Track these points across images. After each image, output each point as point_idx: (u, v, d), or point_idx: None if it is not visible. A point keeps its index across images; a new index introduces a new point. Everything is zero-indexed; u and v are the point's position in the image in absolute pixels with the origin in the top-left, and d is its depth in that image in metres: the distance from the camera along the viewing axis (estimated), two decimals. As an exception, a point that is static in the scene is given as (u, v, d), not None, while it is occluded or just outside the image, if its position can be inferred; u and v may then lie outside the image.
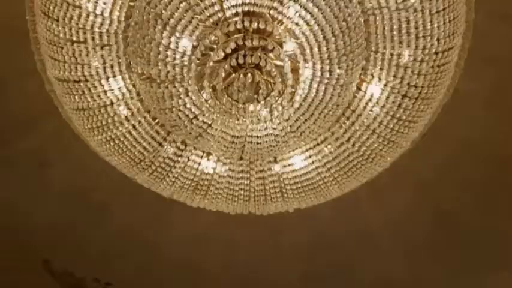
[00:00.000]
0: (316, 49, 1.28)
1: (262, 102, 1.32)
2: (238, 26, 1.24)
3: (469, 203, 2.45)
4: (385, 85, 1.44)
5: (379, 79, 1.44)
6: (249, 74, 1.27)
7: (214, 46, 1.29)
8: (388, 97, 1.46)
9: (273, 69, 1.28)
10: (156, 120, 1.57)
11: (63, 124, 2.13)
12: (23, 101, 2.16)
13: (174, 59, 1.31)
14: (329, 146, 1.56)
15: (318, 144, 1.58)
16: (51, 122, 2.17)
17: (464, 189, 2.40)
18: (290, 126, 1.41)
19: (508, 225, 2.54)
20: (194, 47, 1.29)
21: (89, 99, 1.51)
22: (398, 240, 2.55)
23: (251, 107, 1.34)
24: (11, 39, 1.92)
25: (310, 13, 1.25)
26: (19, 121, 2.24)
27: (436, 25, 1.35)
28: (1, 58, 2.03)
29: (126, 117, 1.54)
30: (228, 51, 1.26)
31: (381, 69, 1.43)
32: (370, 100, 1.48)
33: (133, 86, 1.52)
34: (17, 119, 2.24)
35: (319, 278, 2.67)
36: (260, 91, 1.30)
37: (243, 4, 1.23)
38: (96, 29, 1.39)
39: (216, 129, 1.44)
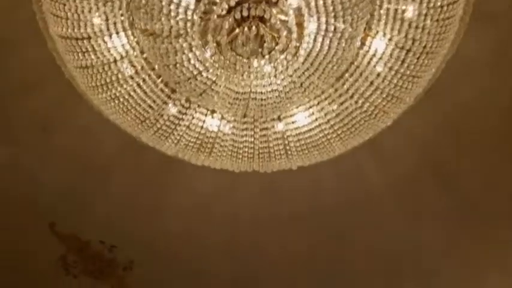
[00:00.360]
0: (321, 2, 1.27)
1: (267, 56, 1.32)
2: (242, -21, 1.23)
3: (470, 165, 2.46)
4: (390, 40, 1.44)
5: (384, 34, 1.44)
6: (253, 27, 1.27)
7: (218, 0, 1.28)
8: (392, 52, 1.46)
9: (278, 23, 1.27)
10: (160, 79, 1.57)
11: (66, 89, 2.16)
12: (26, 65, 2.15)
13: (178, 13, 1.30)
14: (332, 103, 1.57)
15: (321, 102, 1.58)
16: (54, 86, 2.17)
17: (465, 151, 2.41)
18: (294, 81, 1.41)
19: (507, 187, 2.57)
20: (197, 1, 1.29)
21: (93, 56, 1.51)
22: (399, 202, 2.57)
23: (255, 62, 1.34)
24: (13, 1, 1.90)
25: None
26: (22, 85, 2.23)
27: (440, -23, 1.34)
28: (4, 21, 2.01)
29: (130, 75, 1.54)
30: (232, 4, 1.25)
31: (386, 24, 1.42)
32: (374, 56, 1.48)
33: (137, 43, 1.51)
34: (20, 83, 2.23)
35: (321, 244, 2.71)
36: (264, 45, 1.30)
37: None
38: (98, -15, 1.38)
39: (220, 86, 1.44)
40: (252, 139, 1.66)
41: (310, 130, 1.63)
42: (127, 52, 1.52)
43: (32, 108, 2.29)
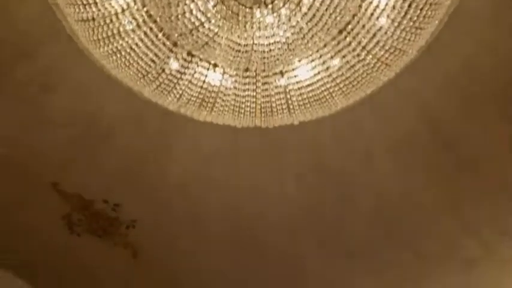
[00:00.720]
0: (324, -50, 1.26)
1: (269, 6, 1.31)
2: None
3: (469, 124, 2.47)
4: (393, -10, 1.42)
5: (387, -15, 1.42)
6: (256, -25, 1.26)
7: None
8: (395, 4, 1.44)
9: (281, -29, 1.26)
10: (162, 32, 1.56)
11: (66, 45, 2.14)
12: (25, 21, 2.12)
13: (180, -37, 1.29)
14: (335, 56, 1.57)
15: (323, 55, 1.58)
16: (54, 45, 2.15)
17: (465, 110, 2.41)
18: (297, 32, 1.41)
19: (507, 147, 2.59)
20: (199, -50, 1.27)
21: (94, 9, 1.50)
22: (398, 160, 2.59)
23: (258, 12, 1.33)
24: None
25: None
26: (21, 43, 2.21)
27: None
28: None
29: (131, 28, 1.53)
30: (235, -48, 1.24)
31: (389, -26, 1.41)
32: (377, 7, 1.47)
33: (138, -5, 1.50)
34: (19, 42, 2.21)
35: (321, 200, 2.75)
36: (268, -7, 1.29)
37: None
38: None
39: (223, 37, 1.44)
40: (254, 93, 1.66)
41: (312, 84, 1.63)
42: (128, 5, 1.51)
43: (32, 66, 2.27)
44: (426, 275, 3.05)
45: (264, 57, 1.49)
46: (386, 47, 1.50)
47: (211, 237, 2.89)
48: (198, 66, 1.63)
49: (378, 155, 2.56)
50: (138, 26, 1.55)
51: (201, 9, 1.37)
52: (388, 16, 1.47)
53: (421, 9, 1.44)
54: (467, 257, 2.97)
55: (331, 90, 1.62)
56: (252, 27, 1.37)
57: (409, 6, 1.45)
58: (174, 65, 1.62)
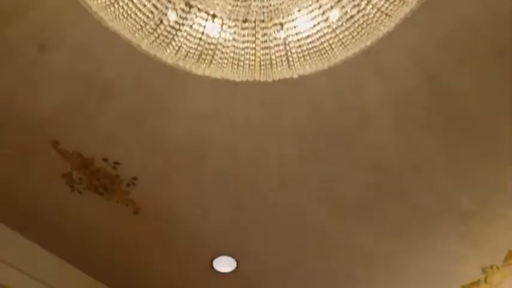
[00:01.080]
0: None
1: (269, -48, 1.28)
2: None
3: (469, 81, 2.46)
4: None
5: None
6: None
7: None
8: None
9: None
10: (160, -18, 1.53)
11: (61, 2, 2.11)
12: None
13: None
14: (334, 6, 1.55)
15: (323, 5, 1.56)
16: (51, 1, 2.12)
17: (465, 67, 2.41)
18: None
19: (507, 105, 2.59)
20: None
21: (90, -43, 1.46)
22: (396, 116, 2.59)
23: (257, -41, 1.30)
24: None
25: None
26: (14, 2, 2.18)
27: None
28: None
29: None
30: None
31: None
32: (377, -45, 1.44)
33: None
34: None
35: (318, 156, 2.76)
36: None
37: None
38: None
39: (221, -15, 1.41)
40: (253, 45, 1.65)
41: (311, 35, 1.61)
42: (125, -47, 1.48)
43: (29, 24, 2.24)
44: (422, 230, 3.12)
45: (264, 6, 1.47)
46: (387, -4, 1.48)
47: (211, 192, 2.93)
48: (196, 17, 1.61)
49: (377, 111, 2.57)
50: (136, -25, 1.52)
51: (199, -44, 1.34)
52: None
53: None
54: (462, 212, 3.03)
55: (330, 42, 1.61)
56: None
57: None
58: (172, 16, 1.60)
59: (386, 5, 1.50)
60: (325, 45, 1.62)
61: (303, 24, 1.61)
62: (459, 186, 2.89)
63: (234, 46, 1.65)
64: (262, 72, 1.73)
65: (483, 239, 3.21)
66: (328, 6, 1.55)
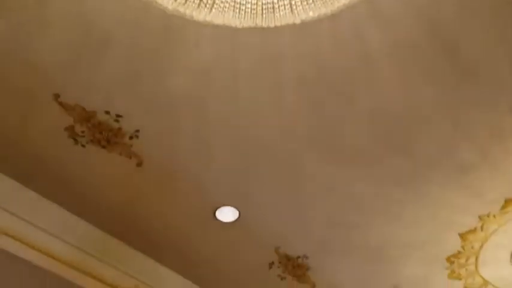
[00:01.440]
0: None
1: None
2: None
3: (470, 29, 2.44)
4: None
5: None
6: None
7: None
8: None
9: None
10: None
11: None
12: None
13: None
14: None
15: None
16: None
17: (466, 14, 2.38)
18: None
19: (507, 52, 2.57)
20: None
21: None
22: (398, 64, 2.58)
23: None
24: None
25: None
26: None
27: None
28: None
29: None
30: None
31: None
32: None
33: None
34: None
35: (319, 105, 2.76)
36: None
37: None
38: None
39: None
40: (256, -11, 1.62)
41: (314, -22, 1.59)
42: None
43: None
44: (421, 179, 3.17)
45: None
46: None
47: (213, 144, 2.95)
48: (197, -41, 1.58)
49: (378, 59, 2.57)
50: None
51: None
52: None
53: None
54: (464, 162, 3.07)
55: (333, -16, 1.59)
56: None
57: None
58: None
59: None
60: (328, -13, 1.60)
61: (305, -33, 1.58)
62: (459, 135, 2.91)
63: (236, -10, 1.63)
64: (264, 17, 1.72)
65: (482, 188, 3.26)
66: None
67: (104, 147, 3.01)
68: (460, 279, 4.03)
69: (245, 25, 1.78)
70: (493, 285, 4.13)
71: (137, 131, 2.92)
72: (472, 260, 3.85)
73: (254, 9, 1.67)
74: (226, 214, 3.42)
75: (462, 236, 3.63)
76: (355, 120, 2.81)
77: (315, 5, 1.66)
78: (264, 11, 1.68)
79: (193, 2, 1.68)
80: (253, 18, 1.72)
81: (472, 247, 3.72)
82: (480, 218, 3.49)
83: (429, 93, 2.73)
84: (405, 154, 3.01)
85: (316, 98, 2.71)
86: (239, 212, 3.41)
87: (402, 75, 2.64)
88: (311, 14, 1.70)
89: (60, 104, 2.80)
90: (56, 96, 2.76)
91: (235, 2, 1.65)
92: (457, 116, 2.82)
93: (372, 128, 2.86)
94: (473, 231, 3.59)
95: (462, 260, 3.85)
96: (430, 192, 3.27)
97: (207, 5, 1.69)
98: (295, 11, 1.68)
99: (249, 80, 2.62)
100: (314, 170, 3.11)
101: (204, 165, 3.08)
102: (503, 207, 3.41)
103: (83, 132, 2.93)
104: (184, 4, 1.70)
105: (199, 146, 2.98)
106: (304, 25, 1.81)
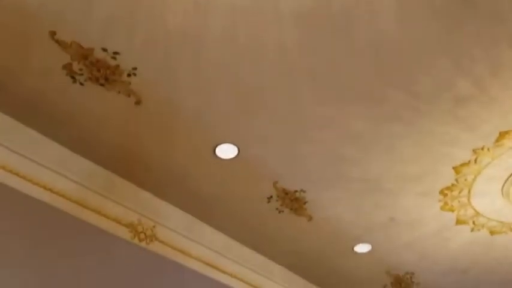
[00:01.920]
0: None
1: None
2: None
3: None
4: None
5: None
6: None
7: None
8: None
9: None
10: None
11: None
12: None
13: None
14: None
15: None
16: None
17: None
18: None
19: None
20: None
21: None
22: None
23: None
24: None
25: None
26: None
27: None
28: None
29: None
30: None
31: None
32: None
33: None
34: None
35: (318, 41, 2.73)
36: None
37: None
38: None
39: None
40: None
41: None
42: None
43: None
44: (417, 112, 3.20)
45: None
46: None
47: (211, 81, 2.95)
48: None
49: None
50: None
51: None
52: None
53: None
54: (459, 96, 3.10)
55: None
56: None
57: None
58: None
59: None
60: None
61: None
62: (456, 67, 2.92)
63: None
64: None
65: (477, 121, 3.31)
66: None
67: (102, 85, 3.01)
68: (453, 211, 4.17)
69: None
70: (483, 217, 4.29)
71: (135, 68, 2.91)
72: (465, 192, 3.98)
73: None
74: (226, 151, 3.48)
75: (456, 169, 3.72)
76: (353, 55, 2.81)
77: None
78: None
79: None
80: None
81: (465, 179, 3.83)
82: (474, 151, 3.57)
83: (426, 26, 2.71)
84: (403, 89, 3.03)
85: (315, 34, 2.68)
86: (238, 148, 3.46)
87: (401, 8, 2.60)
88: None
89: (57, 41, 2.77)
90: (52, 34, 2.73)
91: None
92: (454, 48, 2.81)
93: (371, 63, 2.86)
94: (466, 164, 3.68)
95: (455, 193, 3.97)
96: (426, 126, 3.32)
97: None
98: None
99: (246, 15, 2.59)
100: (313, 107, 3.13)
101: (203, 103, 3.10)
102: (497, 140, 3.46)
103: (80, 70, 2.92)
104: None
105: (198, 85, 2.98)
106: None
